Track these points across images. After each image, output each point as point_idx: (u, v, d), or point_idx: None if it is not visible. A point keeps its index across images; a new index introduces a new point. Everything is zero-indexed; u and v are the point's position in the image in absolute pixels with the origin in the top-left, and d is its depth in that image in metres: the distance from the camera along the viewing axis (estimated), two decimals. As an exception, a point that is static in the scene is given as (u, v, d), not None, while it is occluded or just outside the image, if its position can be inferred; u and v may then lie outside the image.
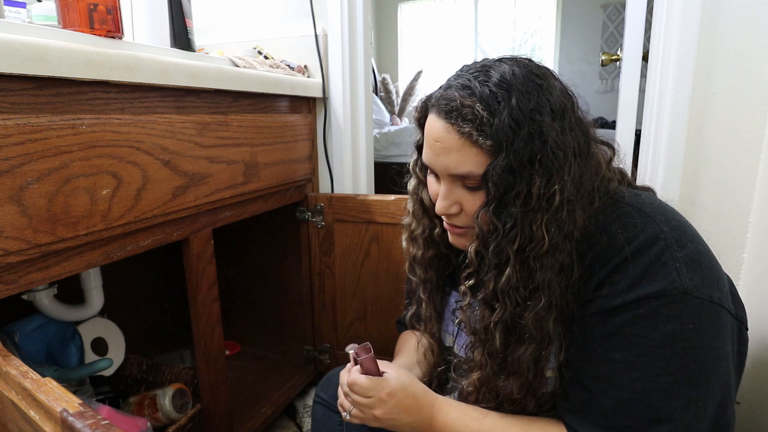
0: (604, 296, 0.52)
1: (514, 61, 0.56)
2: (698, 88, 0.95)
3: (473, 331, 0.61)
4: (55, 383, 0.40)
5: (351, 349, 0.67)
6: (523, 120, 0.51)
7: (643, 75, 1.05)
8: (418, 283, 0.73)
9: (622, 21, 1.85)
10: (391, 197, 1.18)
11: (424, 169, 0.65)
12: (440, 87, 0.58)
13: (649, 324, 0.50)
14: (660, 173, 1.00)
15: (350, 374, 0.66)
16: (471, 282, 0.61)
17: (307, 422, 1.26)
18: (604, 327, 0.52)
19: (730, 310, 0.53)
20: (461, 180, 0.57)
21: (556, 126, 0.52)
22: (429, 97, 0.60)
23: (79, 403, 0.36)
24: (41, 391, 0.38)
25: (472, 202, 0.57)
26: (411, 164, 0.70)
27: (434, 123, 0.56)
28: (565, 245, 0.53)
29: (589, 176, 0.55)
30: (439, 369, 0.74)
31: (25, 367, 0.44)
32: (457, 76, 0.57)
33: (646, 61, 1.04)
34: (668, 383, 0.49)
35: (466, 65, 0.59)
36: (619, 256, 0.52)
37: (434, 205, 0.65)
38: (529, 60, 0.57)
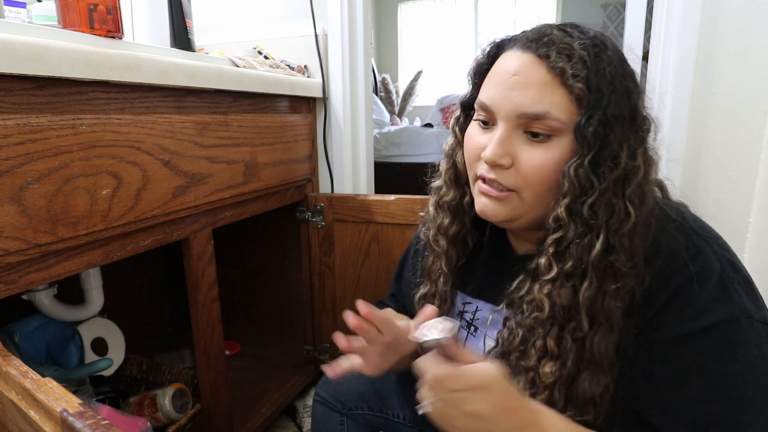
0: (669, 323, 0.48)
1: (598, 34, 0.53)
2: (698, 88, 0.95)
3: (552, 314, 0.52)
4: (55, 383, 0.40)
5: (428, 335, 0.49)
6: (618, 78, 0.49)
7: (643, 75, 1.05)
8: (440, 253, 0.66)
9: (622, 21, 1.85)
10: (391, 197, 1.18)
11: (464, 129, 0.60)
12: (522, 31, 0.54)
13: (721, 353, 0.47)
14: (660, 173, 1.00)
15: (433, 364, 0.52)
16: (557, 248, 0.52)
17: (307, 422, 1.26)
18: (673, 359, 0.48)
19: None
20: (527, 124, 0.51)
21: (641, 103, 0.51)
22: (505, 39, 0.55)
23: (79, 403, 0.36)
24: (41, 391, 0.38)
25: (532, 156, 0.51)
26: (452, 122, 0.65)
27: (515, 57, 0.52)
28: (641, 229, 0.49)
29: (654, 161, 0.53)
30: None
31: (25, 367, 0.44)
32: (539, 26, 0.53)
33: (646, 61, 1.04)
34: (750, 416, 0.46)
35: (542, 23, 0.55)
36: (678, 278, 0.48)
37: (467, 171, 0.60)
38: None
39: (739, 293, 0.48)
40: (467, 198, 0.63)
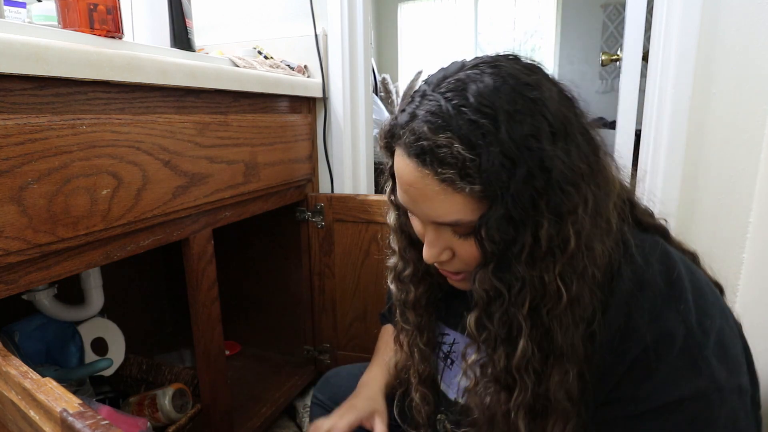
0: (627, 399, 0.44)
1: (496, 68, 0.43)
2: (698, 88, 0.95)
3: (489, 420, 0.50)
4: (55, 383, 0.40)
5: None
6: (517, 154, 0.40)
7: (643, 75, 1.05)
8: (410, 330, 0.62)
9: (622, 21, 1.85)
10: (391, 197, 1.18)
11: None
12: (404, 111, 0.46)
13: (686, 430, 0.42)
14: (660, 173, 1.00)
15: None
16: (474, 357, 0.51)
17: (307, 422, 1.26)
18: None
19: (752, 396, 0.47)
20: (450, 226, 0.47)
21: (560, 151, 0.42)
22: (392, 128, 0.48)
23: (79, 403, 0.36)
24: (41, 391, 0.38)
25: (466, 248, 0.47)
26: (387, 193, 0.58)
27: (404, 165, 0.45)
28: (586, 292, 0.44)
29: (604, 198, 0.45)
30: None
31: (25, 367, 0.44)
32: (422, 96, 0.45)
33: (646, 61, 1.04)
34: None
35: (432, 77, 0.47)
36: (636, 348, 0.43)
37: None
38: (515, 59, 0.46)
39: (708, 361, 0.42)
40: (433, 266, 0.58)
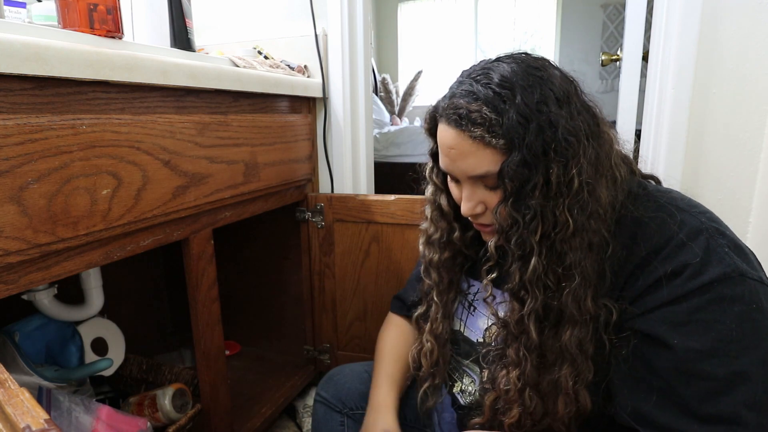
0: (665, 288, 0.52)
1: (512, 58, 0.57)
2: (698, 88, 0.95)
3: (504, 325, 0.61)
4: (27, 395, 0.38)
5: None
6: (531, 114, 0.52)
7: (643, 75, 1.05)
8: (431, 285, 0.73)
9: (622, 21, 1.85)
10: (391, 197, 1.18)
11: (440, 175, 0.67)
12: (444, 96, 0.59)
13: (718, 308, 0.49)
14: (660, 173, 1.00)
15: None
16: (493, 275, 0.63)
17: (307, 422, 1.26)
18: (674, 317, 0.51)
19: None
20: (481, 180, 0.58)
21: (564, 113, 0.53)
22: (436, 108, 0.61)
23: (45, 420, 0.35)
24: (11, 403, 0.37)
25: (495, 199, 0.59)
26: (427, 171, 0.71)
27: (445, 132, 0.58)
28: (590, 224, 0.54)
29: (605, 154, 0.57)
30: (438, 368, 0.73)
31: (6, 375, 0.42)
32: (459, 83, 0.58)
33: (646, 61, 1.04)
34: (747, 365, 0.48)
35: (465, 70, 0.60)
36: (667, 249, 0.52)
37: (452, 209, 0.68)
38: (526, 54, 0.58)
39: (729, 254, 0.50)
40: (456, 233, 0.70)
